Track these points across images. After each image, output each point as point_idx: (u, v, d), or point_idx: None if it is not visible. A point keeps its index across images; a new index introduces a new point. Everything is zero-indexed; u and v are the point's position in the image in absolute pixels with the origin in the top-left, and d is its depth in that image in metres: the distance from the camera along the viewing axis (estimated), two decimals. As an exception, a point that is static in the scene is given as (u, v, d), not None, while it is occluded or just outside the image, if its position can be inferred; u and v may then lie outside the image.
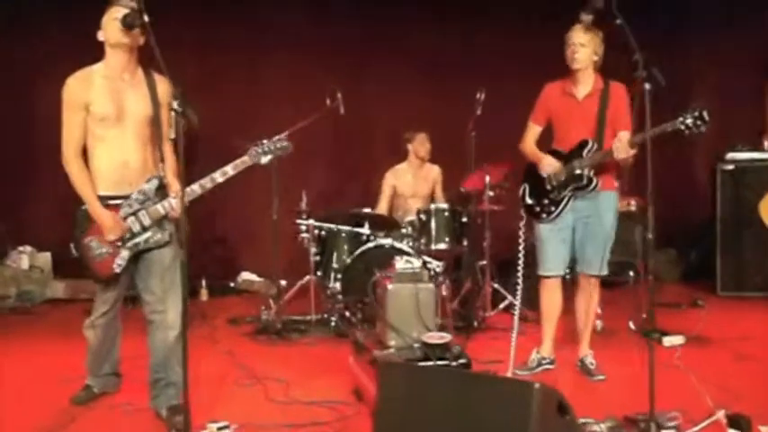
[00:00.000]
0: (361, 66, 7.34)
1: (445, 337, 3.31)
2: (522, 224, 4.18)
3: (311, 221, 5.49)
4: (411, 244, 5.38)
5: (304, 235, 5.54)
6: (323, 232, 5.58)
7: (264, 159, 3.42)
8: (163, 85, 3.37)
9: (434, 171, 6.24)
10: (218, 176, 3.33)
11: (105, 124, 3.26)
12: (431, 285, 3.47)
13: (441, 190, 6.23)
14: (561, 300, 4.23)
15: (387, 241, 5.28)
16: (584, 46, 3.93)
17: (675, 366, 4.11)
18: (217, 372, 4.17)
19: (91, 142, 3.30)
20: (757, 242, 6.43)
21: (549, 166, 4.05)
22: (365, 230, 5.42)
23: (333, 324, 5.24)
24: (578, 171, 3.93)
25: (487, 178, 5.51)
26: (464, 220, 5.46)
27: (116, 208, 3.29)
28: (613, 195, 4.05)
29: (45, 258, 6.76)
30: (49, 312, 6.30)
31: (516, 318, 4.08)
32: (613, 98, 3.96)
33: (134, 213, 3.30)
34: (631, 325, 5.25)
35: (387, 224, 5.57)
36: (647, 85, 2.89)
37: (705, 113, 3.32)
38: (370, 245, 5.21)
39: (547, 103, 4.15)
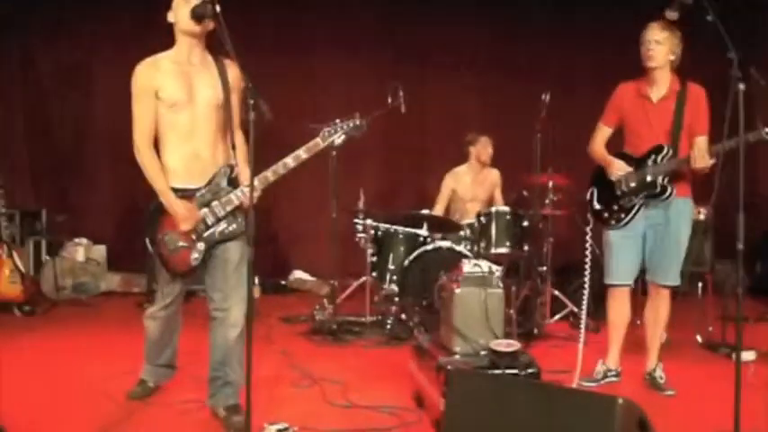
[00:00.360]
0: (419, 66, 7.23)
1: (514, 345, 3.18)
2: (588, 229, 4.02)
3: (369, 221, 5.40)
4: (470, 247, 5.26)
5: (361, 235, 5.45)
6: (379, 232, 5.48)
7: (338, 140, 3.30)
8: (234, 71, 3.28)
9: (494, 175, 6.11)
10: (291, 161, 3.22)
11: (175, 110, 3.18)
12: (499, 290, 3.34)
13: (500, 194, 6.10)
14: (630, 310, 4.06)
15: (445, 244, 5.18)
16: (659, 44, 3.75)
17: (749, 384, 3.91)
18: (273, 371, 4.10)
19: (161, 131, 3.23)
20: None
21: (618, 171, 3.87)
22: (423, 232, 5.31)
23: (388, 327, 5.14)
24: (651, 178, 3.76)
25: (551, 182, 5.35)
26: (525, 224, 5.31)
27: (189, 199, 3.23)
28: (688, 202, 3.87)
29: (100, 251, 6.82)
30: (104, 305, 6.34)
31: (583, 326, 3.92)
32: (691, 101, 3.78)
33: (207, 204, 3.23)
34: (698, 338, 5.04)
35: (446, 226, 5.45)
36: (742, 86, 2.72)
37: None
38: (429, 247, 5.10)
39: (619, 104, 3.96)
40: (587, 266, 4.00)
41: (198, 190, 3.24)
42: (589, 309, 5.64)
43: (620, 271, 3.92)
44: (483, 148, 6.01)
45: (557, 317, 5.64)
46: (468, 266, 3.39)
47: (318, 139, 3.30)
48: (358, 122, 3.34)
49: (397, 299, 5.06)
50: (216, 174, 3.26)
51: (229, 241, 3.29)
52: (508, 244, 5.21)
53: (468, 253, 5.08)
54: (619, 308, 4.01)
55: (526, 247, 5.30)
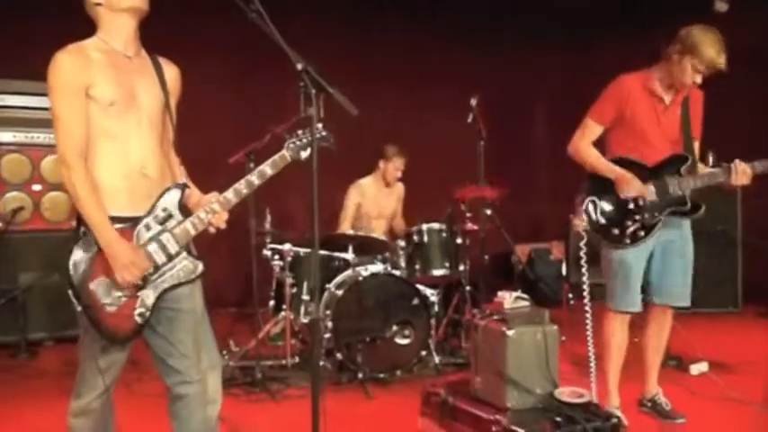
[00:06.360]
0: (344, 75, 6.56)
1: (581, 393, 2.65)
2: (582, 244, 3.52)
3: (288, 246, 4.57)
4: (390, 269, 4.63)
5: (277, 263, 4.62)
6: (288, 259, 4.66)
7: (304, 154, 2.58)
8: (172, 71, 2.59)
9: (399, 189, 5.60)
10: (256, 179, 2.51)
11: (112, 113, 2.38)
12: (555, 327, 2.78)
13: (401, 209, 5.58)
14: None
15: (378, 268, 4.52)
16: None
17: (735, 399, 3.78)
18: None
19: (94, 142, 2.38)
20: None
21: (635, 191, 3.37)
22: (349, 256, 4.60)
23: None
24: (677, 192, 3.36)
25: (485, 195, 4.89)
26: (459, 241, 4.80)
27: (128, 232, 2.38)
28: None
29: None
30: None
31: (592, 357, 3.41)
32: (692, 104, 3.48)
33: (155, 238, 2.40)
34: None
35: (375, 247, 4.76)
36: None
37: None
38: (364, 274, 4.40)
39: (624, 101, 3.43)
40: (586, 290, 3.50)
41: (139, 219, 2.41)
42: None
43: (635, 296, 3.47)
44: (393, 166, 5.40)
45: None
46: (508, 301, 2.79)
47: (285, 152, 2.57)
48: (324, 134, 2.62)
49: (328, 335, 4.30)
50: (161, 196, 2.45)
51: (182, 286, 2.47)
52: (447, 264, 4.68)
53: (407, 278, 4.48)
54: (623, 335, 3.56)
55: (462, 267, 4.79)
